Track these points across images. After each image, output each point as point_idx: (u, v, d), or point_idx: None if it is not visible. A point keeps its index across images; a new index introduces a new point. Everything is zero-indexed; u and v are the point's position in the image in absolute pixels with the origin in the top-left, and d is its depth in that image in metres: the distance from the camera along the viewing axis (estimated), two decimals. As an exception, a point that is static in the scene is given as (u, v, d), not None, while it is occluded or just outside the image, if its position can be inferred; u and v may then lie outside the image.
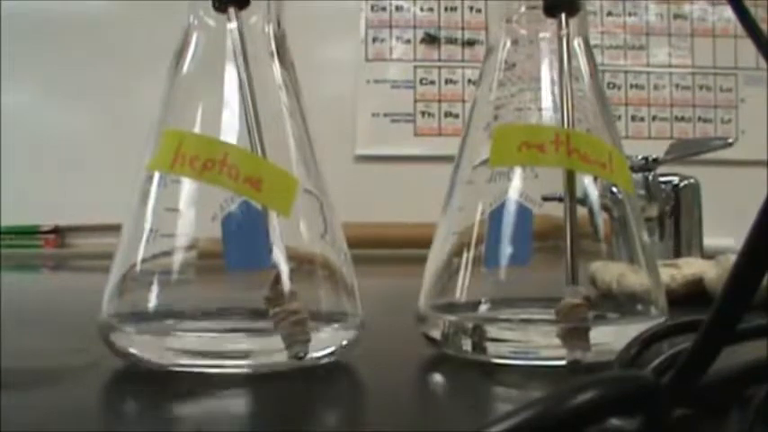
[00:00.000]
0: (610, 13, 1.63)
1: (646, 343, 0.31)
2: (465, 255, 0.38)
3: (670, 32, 1.63)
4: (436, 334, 0.37)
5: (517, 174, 0.38)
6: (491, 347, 0.35)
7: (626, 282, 0.39)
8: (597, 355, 0.33)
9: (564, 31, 0.37)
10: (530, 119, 0.39)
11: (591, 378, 0.17)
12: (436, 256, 0.40)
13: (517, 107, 0.39)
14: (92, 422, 0.27)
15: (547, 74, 0.39)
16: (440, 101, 1.61)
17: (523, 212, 0.37)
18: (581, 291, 0.34)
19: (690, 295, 0.55)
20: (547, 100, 0.38)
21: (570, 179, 0.36)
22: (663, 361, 0.26)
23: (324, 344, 0.34)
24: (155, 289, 0.34)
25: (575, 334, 0.34)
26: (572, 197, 0.36)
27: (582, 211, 0.37)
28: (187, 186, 0.35)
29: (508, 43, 0.40)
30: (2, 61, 1.55)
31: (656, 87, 1.63)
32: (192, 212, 0.35)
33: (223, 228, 0.34)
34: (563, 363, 0.34)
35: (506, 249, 0.37)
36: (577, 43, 0.39)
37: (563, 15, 0.38)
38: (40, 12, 1.55)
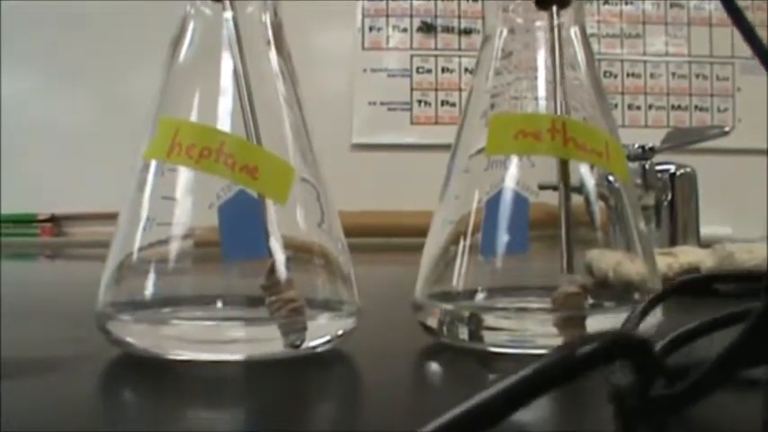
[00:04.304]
0: (606, 2, 1.63)
1: (644, 314, 0.31)
2: (462, 243, 0.38)
3: (666, 21, 1.63)
4: (433, 322, 0.37)
5: (514, 162, 0.38)
6: (488, 336, 0.35)
7: (623, 270, 0.39)
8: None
9: (556, 23, 0.37)
10: (526, 107, 0.39)
11: (587, 335, 0.17)
12: (433, 245, 0.40)
13: (514, 96, 0.39)
14: (89, 412, 0.27)
15: (543, 63, 0.39)
16: (436, 89, 1.62)
17: (520, 201, 0.37)
18: (577, 279, 0.34)
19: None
20: (543, 89, 0.38)
21: (564, 167, 0.36)
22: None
23: (320, 332, 0.34)
24: (151, 277, 0.34)
25: (571, 322, 0.34)
26: (566, 185, 0.36)
27: (579, 199, 0.37)
28: (184, 175, 0.35)
29: (505, 32, 0.40)
30: (1, 51, 1.55)
31: (652, 76, 1.63)
32: (188, 201, 0.35)
33: (219, 216, 0.34)
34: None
35: (503, 238, 0.37)
36: (574, 32, 0.39)
37: (554, 8, 0.38)
38: (39, 2, 1.55)
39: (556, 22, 0.38)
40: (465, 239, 0.38)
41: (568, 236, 0.35)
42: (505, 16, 0.40)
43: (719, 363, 0.18)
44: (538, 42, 0.39)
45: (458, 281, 0.38)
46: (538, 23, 0.39)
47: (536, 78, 0.39)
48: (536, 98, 0.39)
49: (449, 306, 0.37)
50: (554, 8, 0.38)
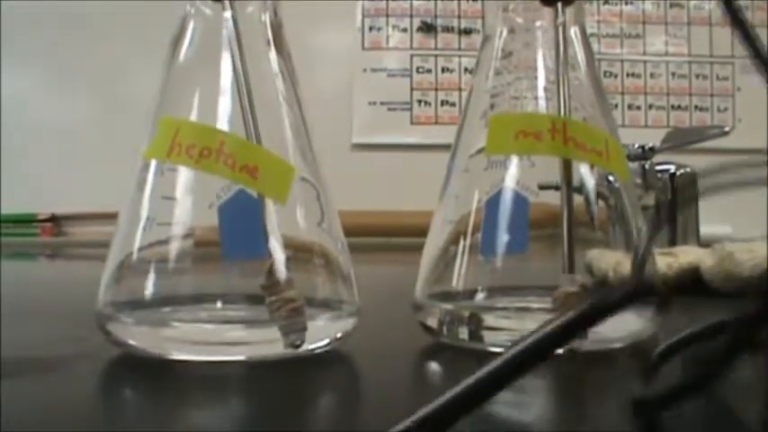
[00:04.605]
0: (606, 2, 1.63)
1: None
2: (461, 243, 0.38)
3: (666, 21, 1.63)
4: (433, 323, 0.37)
5: (514, 162, 0.38)
6: (488, 336, 0.35)
7: (622, 270, 0.39)
8: (593, 344, 0.33)
9: (560, 20, 0.37)
10: (526, 107, 0.39)
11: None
12: (433, 245, 0.40)
13: (513, 95, 0.39)
14: (89, 412, 0.27)
15: (543, 62, 0.39)
16: (436, 89, 1.61)
17: (520, 201, 0.37)
18: (578, 279, 0.34)
19: (686, 283, 0.55)
20: (543, 88, 0.38)
21: (567, 167, 0.36)
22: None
23: (320, 332, 0.34)
24: (151, 277, 0.34)
25: None
26: (569, 185, 0.36)
27: (578, 199, 0.37)
28: (184, 175, 0.35)
29: (505, 32, 0.40)
30: (1, 50, 1.55)
31: (652, 76, 1.63)
32: (188, 201, 0.35)
33: (219, 216, 0.34)
34: (559, 351, 0.34)
35: (503, 238, 0.37)
36: (574, 32, 0.39)
37: (559, 4, 0.38)
38: (39, 1, 1.55)
39: (561, 20, 0.38)
40: (465, 239, 0.38)
41: (570, 235, 0.35)
42: (505, 16, 0.40)
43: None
44: (538, 42, 0.39)
45: (458, 281, 0.38)
46: (538, 23, 0.39)
47: (536, 78, 0.39)
48: (536, 98, 0.39)
49: (449, 306, 0.37)
50: (559, 5, 0.38)
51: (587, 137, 0.36)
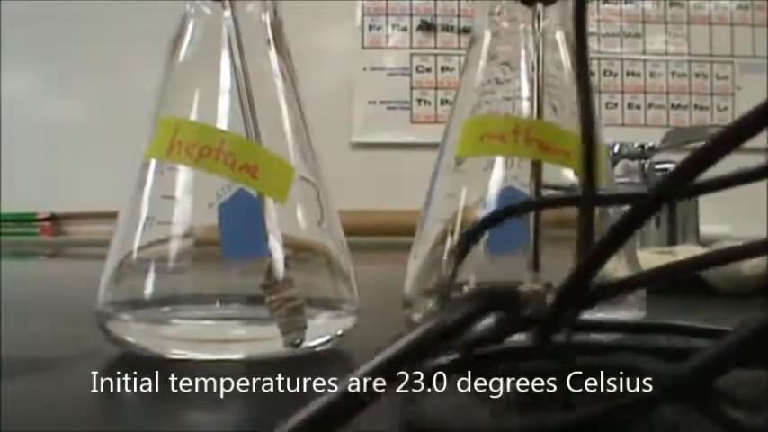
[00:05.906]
0: (606, 1, 1.63)
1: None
2: (450, 241, 0.38)
3: (666, 20, 1.63)
4: (418, 318, 0.38)
5: (513, 162, 0.38)
6: None
7: (616, 274, 0.39)
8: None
9: (541, 22, 0.38)
10: (509, 108, 0.40)
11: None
12: (422, 243, 0.40)
13: (498, 97, 0.40)
14: (89, 411, 0.27)
15: (526, 64, 0.39)
16: (436, 88, 1.62)
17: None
18: (542, 277, 0.34)
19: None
20: (525, 90, 0.39)
21: (536, 168, 0.36)
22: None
23: (320, 331, 0.34)
24: (151, 276, 0.34)
25: None
26: (537, 185, 0.36)
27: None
28: (183, 174, 0.35)
29: (490, 34, 0.41)
30: (1, 50, 1.55)
31: (652, 75, 1.63)
32: (188, 200, 0.35)
33: (219, 215, 0.34)
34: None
35: (503, 235, 0.37)
36: (559, 36, 0.39)
37: (539, 5, 0.38)
38: (39, 2, 1.55)
39: (541, 23, 0.38)
40: (453, 237, 0.38)
41: (537, 235, 0.35)
42: (491, 19, 0.41)
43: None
44: (522, 44, 0.40)
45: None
46: (522, 26, 0.40)
47: (519, 80, 0.39)
48: (518, 99, 0.39)
49: (432, 301, 0.38)
50: (539, 6, 0.38)
51: (554, 138, 0.37)
